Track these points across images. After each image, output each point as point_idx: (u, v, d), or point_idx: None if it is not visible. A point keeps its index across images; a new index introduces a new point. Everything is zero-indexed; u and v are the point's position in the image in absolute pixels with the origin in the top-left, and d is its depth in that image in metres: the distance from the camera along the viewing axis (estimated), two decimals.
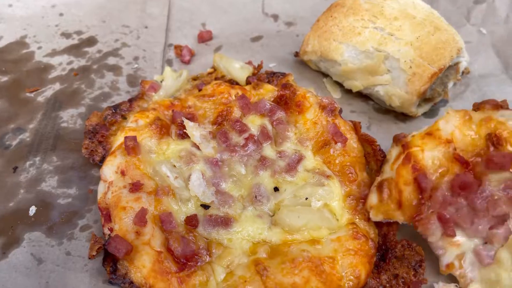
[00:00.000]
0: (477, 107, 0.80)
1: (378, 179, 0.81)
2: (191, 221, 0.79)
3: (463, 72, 1.08)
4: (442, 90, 1.03)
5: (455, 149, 0.75)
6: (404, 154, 0.78)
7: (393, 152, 0.82)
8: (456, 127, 0.76)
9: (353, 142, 0.91)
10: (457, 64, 1.04)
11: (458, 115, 0.77)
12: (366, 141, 0.91)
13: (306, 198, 0.82)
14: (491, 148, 0.74)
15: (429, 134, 0.78)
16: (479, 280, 0.73)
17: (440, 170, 0.75)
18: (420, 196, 0.75)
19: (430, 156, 0.75)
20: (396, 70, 0.98)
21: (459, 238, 0.75)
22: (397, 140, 0.82)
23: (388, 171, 0.80)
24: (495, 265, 0.72)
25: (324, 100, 0.94)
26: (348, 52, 1.02)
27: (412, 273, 0.76)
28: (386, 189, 0.78)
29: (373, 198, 0.80)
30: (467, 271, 0.74)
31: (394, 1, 1.04)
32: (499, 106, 0.78)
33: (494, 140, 0.74)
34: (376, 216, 0.79)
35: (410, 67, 0.95)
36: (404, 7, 1.02)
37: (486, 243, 0.74)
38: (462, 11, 1.19)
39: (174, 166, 0.87)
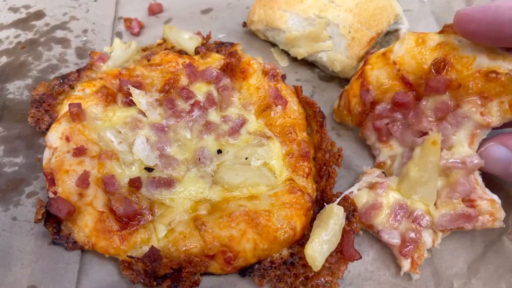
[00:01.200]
0: (443, 28, 0.82)
1: (345, 87, 0.96)
2: (134, 183, 0.81)
3: None
4: None
5: (399, 70, 0.84)
6: (361, 70, 0.89)
7: (359, 67, 0.94)
8: (406, 51, 0.83)
9: (293, 104, 0.94)
10: (397, 30, 1.08)
11: (412, 39, 0.83)
12: (306, 104, 0.94)
13: (246, 158, 0.85)
14: (434, 73, 0.79)
15: (383, 54, 0.87)
16: (398, 174, 0.84)
17: (382, 87, 0.86)
18: (363, 108, 0.88)
19: (376, 74, 0.86)
20: (337, 36, 1.01)
21: (393, 143, 0.88)
22: (365, 55, 0.92)
23: (351, 83, 0.93)
24: (409, 162, 0.81)
25: (266, 66, 0.96)
26: (291, 20, 1.04)
27: (346, 222, 0.80)
28: (343, 98, 0.95)
29: (336, 104, 0.98)
30: (394, 168, 0.86)
31: None
32: None
33: (439, 65, 0.78)
34: (336, 118, 0.99)
35: (349, 32, 0.99)
36: None
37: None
38: None
39: (120, 132, 0.89)
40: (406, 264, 0.76)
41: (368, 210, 0.80)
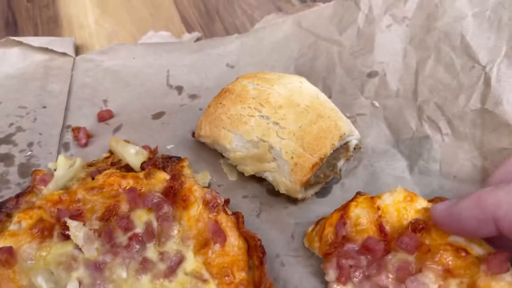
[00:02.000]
0: (433, 199, 0.90)
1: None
2: None
3: (355, 148, 1.12)
4: (331, 171, 1.06)
5: (380, 216, 0.86)
6: (346, 204, 0.92)
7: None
8: (393, 201, 0.87)
9: (233, 239, 0.92)
10: (346, 143, 1.07)
11: (401, 195, 0.88)
12: (247, 236, 0.92)
13: None
14: (409, 231, 0.83)
15: (371, 198, 0.90)
16: None
17: (359, 227, 0.87)
18: (335, 239, 0.88)
19: (358, 213, 0.88)
20: (280, 159, 1.00)
21: None
22: (357, 193, 0.95)
23: (332, 213, 0.94)
24: None
25: (207, 195, 0.95)
26: (236, 141, 1.03)
27: None
28: (319, 224, 0.94)
29: (310, 228, 0.97)
30: None
31: (282, 87, 1.06)
32: None
33: (417, 225, 0.83)
34: (305, 242, 0.96)
35: (292, 157, 0.98)
36: (290, 92, 1.05)
37: None
38: (356, 84, 1.22)
39: (52, 273, 0.86)
40: None
41: None
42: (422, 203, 0.86)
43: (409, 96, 1.18)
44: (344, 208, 0.90)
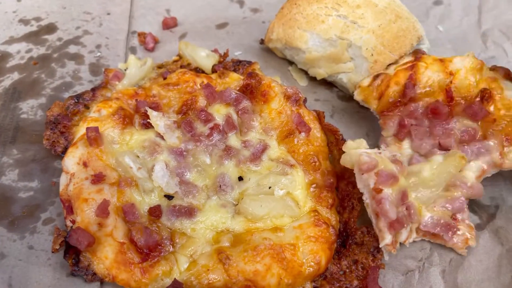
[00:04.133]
0: (492, 68, 0.90)
1: (384, 71, 0.95)
2: (154, 212, 0.79)
3: None
4: None
5: (451, 82, 0.88)
6: (411, 63, 0.91)
7: (405, 59, 0.95)
8: (465, 67, 0.88)
9: (316, 131, 0.92)
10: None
11: (473, 61, 0.89)
12: (329, 131, 0.92)
13: (270, 187, 0.83)
14: (478, 99, 0.85)
15: (441, 60, 0.90)
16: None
17: (427, 89, 0.88)
18: (398, 99, 0.88)
19: (428, 75, 0.88)
20: (358, 58, 0.99)
21: (404, 144, 0.88)
22: (415, 52, 0.95)
23: (391, 70, 0.93)
24: (422, 163, 0.84)
25: (289, 90, 0.94)
26: (312, 40, 1.02)
27: (371, 258, 0.78)
28: (379, 80, 0.92)
29: (365, 81, 0.94)
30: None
31: None
32: (509, 76, 0.88)
33: (485, 95, 0.84)
34: (358, 96, 0.94)
35: (372, 54, 0.97)
36: None
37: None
38: (421, 9, 1.23)
39: (138, 156, 0.87)
40: (387, 237, 0.75)
41: (387, 178, 0.76)
42: (487, 71, 0.88)
43: (473, 23, 1.18)
44: (412, 68, 0.90)
